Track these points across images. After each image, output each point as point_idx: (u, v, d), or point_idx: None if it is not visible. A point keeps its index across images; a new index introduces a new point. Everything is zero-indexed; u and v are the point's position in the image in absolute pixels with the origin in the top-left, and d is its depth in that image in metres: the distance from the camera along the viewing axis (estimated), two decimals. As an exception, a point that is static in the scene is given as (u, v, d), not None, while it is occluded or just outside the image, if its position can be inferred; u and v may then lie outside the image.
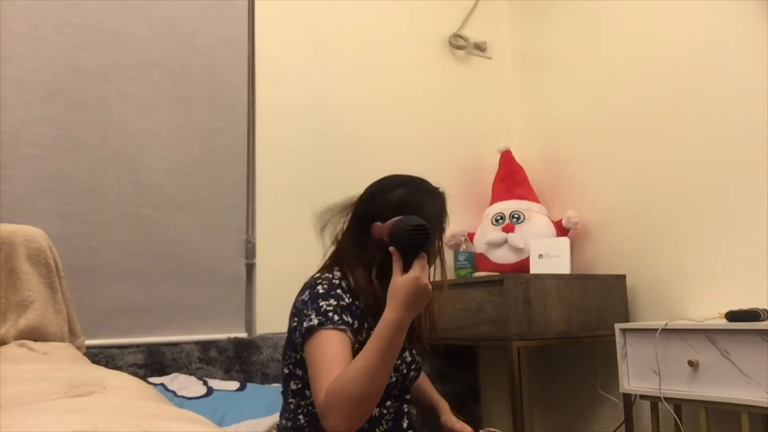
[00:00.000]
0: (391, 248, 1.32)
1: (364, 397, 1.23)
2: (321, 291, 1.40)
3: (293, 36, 2.65)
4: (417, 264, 1.29)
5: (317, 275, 1.48)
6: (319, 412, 1.26)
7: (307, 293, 1.43)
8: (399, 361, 1.47)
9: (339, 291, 1.41)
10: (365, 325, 1.41)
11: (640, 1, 2.60)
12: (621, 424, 2.37)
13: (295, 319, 1.45)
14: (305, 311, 1.39)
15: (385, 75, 2.84)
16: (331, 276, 1.45)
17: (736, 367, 1.84)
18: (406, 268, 1.30)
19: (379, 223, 1.41)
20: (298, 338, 1.41)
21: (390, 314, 1.27)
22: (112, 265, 2.18)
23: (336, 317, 1.35)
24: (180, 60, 2.38)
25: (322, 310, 1.36)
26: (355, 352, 1.32)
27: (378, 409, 1.45)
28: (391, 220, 1.36)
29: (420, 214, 1.38)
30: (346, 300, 1.41)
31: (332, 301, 1.38)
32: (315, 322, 1.34)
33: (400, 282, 1.28)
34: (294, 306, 1.48)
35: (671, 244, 2.42)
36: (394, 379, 1.46)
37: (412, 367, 1.53)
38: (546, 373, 2.91)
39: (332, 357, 1.29)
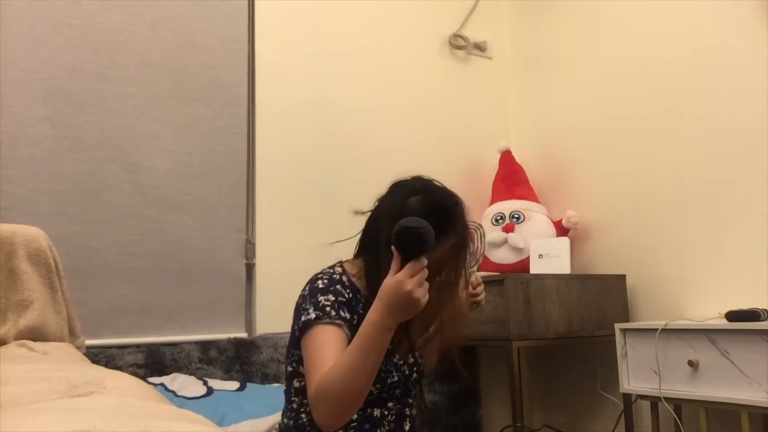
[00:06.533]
0: (393, 247, 1.25)
1: (347, 394, 1.25)
2: (321, 286, 1.42)
3: (293, 36, 2.65)
4: (407, 267, 1.22)
5: (320, 271, 1.50)
6: (310, 404, 1.29)
7: (307, 288, 1.45)
8: (401, 362, 1.48)
9: (339, 287, 1.42)
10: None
11: (640, 1, 2.60)
12: (621, 424, 2.36)
13: (296, 315, 1.45)
14: (304, 305, 1.40)
15: (385, 75, 2.84)
16: (332, 271, 1.46)
17: (736, 367, 1.84)
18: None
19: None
20: (296, 331, 1.41)
21: (372, 314, 1.24)
22: (112, 265, 2.18)
23: (333, 312, 1.37)
24: (180, 60, 2.38)
25: (320, 304, 1.37)
26: None
27: (379, 410, 1.46)
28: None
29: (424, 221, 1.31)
30: (346, 296, 1.42)
31: (331, 297, 1.39)
32: (312, 316, 1.36)
33: (385, 283, 1.23)
34: (297, 303, 1.49)
35: (671, 244, 2.42)
36: (396, 378, 1.46)
37: (414, 368, 1.53)
38: (546, 373, 2.91)
39: (327, 351, 1.31)
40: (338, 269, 1.48)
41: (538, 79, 3.05)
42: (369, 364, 1.24)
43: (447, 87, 3.01)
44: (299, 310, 1.42)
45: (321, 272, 1.47)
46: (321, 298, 1.38)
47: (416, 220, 1.23)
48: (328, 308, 1.37)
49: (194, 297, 2.31)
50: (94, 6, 2.24)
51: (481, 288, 1.54)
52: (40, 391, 1.11)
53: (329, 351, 1.31)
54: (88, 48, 2.22)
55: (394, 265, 1.24)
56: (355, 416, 1.43)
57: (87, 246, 2.15)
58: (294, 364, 1.48)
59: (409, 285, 1.20)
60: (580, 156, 2.81)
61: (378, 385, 1.43)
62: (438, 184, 1.49)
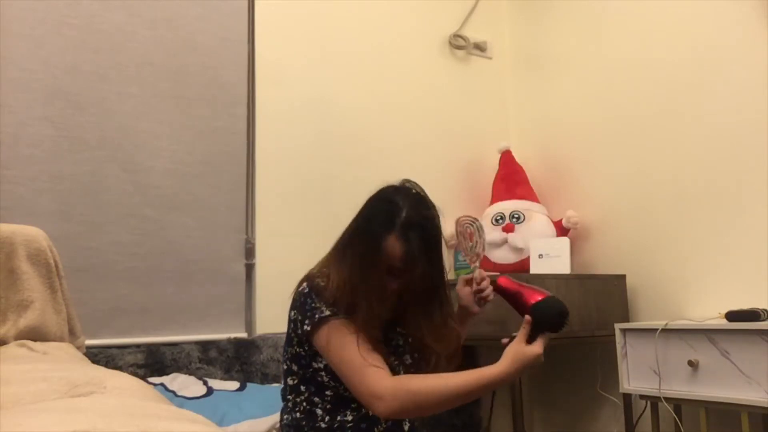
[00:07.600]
0: (527, 317, 1.38)
1: (432, 408, 1.32)
2: (323, 284, 1.43)
3: (293, 36, 2.65)
4: (542, 341, 1.37)
5: (315, 271, 1.49)
6: (375, 393, 1.30)
7: (306, 285, 1.44)
8: (397, 362, 1.48)
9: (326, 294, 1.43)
10: None
11: (640, 1, 2.60)
12: (621, 424, 2.37)
13: (294, 312, 1.45)
14: (313, 304, 1.40)
15: (385, 75, 2.84)
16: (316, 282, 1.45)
17: (736, 367, 1.84)
18: (530, 339, 1.37)
19: (508, 277, 1.47)
20: (307, 326, 1.40)
21: (509, 370, 1.33)
22: (112, 265, 2.18)
23: (343, 310, 1.39)
24: (180, 60, 2.38)
25: (331, 301, 1.40)
26: None
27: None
28: (538, 293, 1.43)
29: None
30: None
31: (331, 299, 1.41)
32: (327, 312, 1.38)
33: (527, 351, 1.35)
34: (293, 299, 1.48)
35: (671, 244, 2.42)
36: None
37: (411, 371, 1.53)
38: (546, 373, 2.90)
39: (359, 342, 1.34)
40: (319, 282, 1.45)
41: (538, 79, 3.05)
42: (472, 398, 1.34)
43: (447, 87, 3.01)
44: (304, 308, 1.41)
45: (317, 273, 1.46)
46: (329, 296, 1.40)
47: (564, 305, 1.41)
48: (336, 307, 1.39)
49: (194, 297, 2.31)
50: (94, 6, 2.24)
51: (486, 283, 1.54)
52: (40, 391, 1.11)
53: (362, 343, 1.35)
54: (88, 48, 2.22)
55: (525, 332, 1.37)
56: (349, 417, 1.43)
57: (87, 246, 2.15)
58: (288, 362, 1.48)
59: (542, 357, 1.36)
60: (580, 156, 2.81)
61: None
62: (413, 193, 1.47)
